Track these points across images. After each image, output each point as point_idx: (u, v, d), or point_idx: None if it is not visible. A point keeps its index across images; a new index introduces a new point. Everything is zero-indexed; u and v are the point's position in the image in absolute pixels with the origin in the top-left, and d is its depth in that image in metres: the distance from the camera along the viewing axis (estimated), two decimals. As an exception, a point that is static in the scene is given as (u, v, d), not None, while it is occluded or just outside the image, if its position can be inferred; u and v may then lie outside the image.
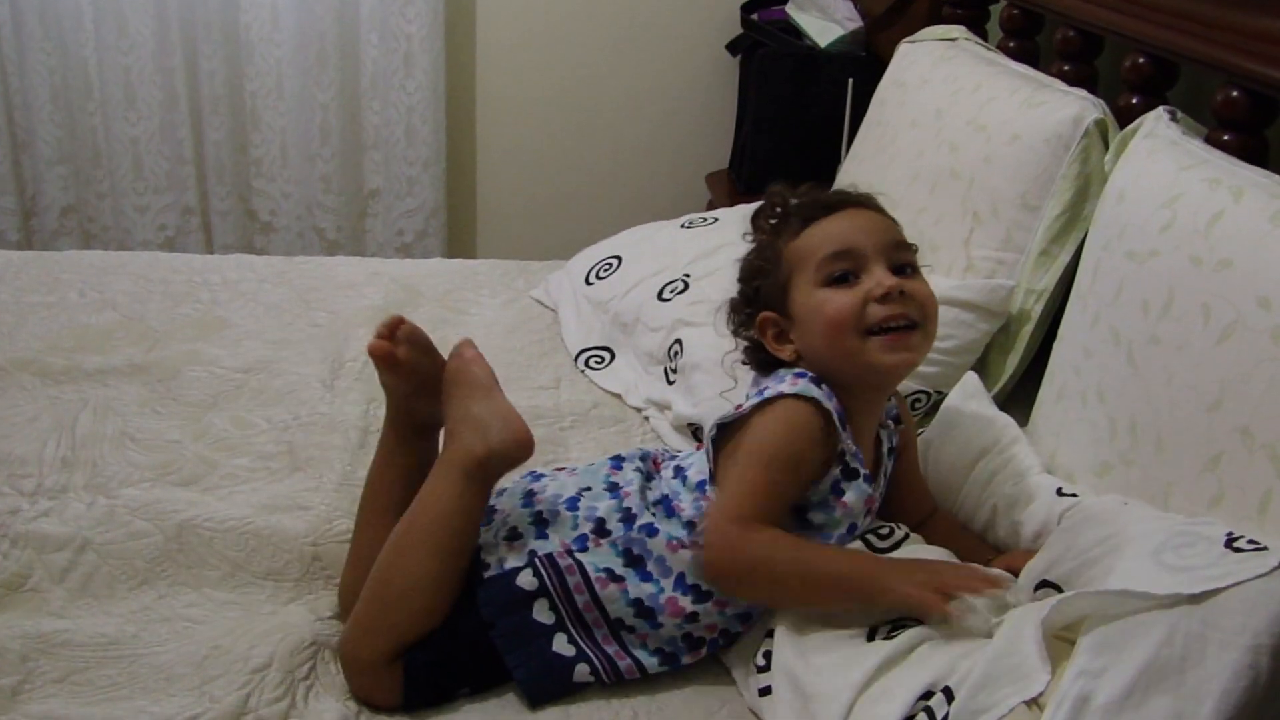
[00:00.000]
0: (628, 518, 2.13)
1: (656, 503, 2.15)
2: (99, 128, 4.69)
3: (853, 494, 2.06)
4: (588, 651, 2.02)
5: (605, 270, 3.29)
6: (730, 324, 2.30)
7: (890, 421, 2.26)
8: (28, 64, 4.56)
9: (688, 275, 3.06)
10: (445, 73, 4.83)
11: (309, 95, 4.76)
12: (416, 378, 2.16)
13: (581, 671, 2.01)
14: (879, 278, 2.09)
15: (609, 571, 2.05)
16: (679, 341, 2.86)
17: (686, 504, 2.10)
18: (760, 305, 2.22)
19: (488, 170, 5.14)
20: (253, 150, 4.83)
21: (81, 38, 4.55)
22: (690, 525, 2.08)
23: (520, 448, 2.07)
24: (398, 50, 4.72)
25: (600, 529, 2.10)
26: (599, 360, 3.08)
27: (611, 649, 2.04)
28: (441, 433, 2.16)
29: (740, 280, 2.28)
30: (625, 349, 3.07)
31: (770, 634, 2.01)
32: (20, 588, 2.17)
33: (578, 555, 2.06)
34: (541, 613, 2.03)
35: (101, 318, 3.16)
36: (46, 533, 2.27)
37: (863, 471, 2.07)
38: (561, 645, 2.02)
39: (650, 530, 2.08)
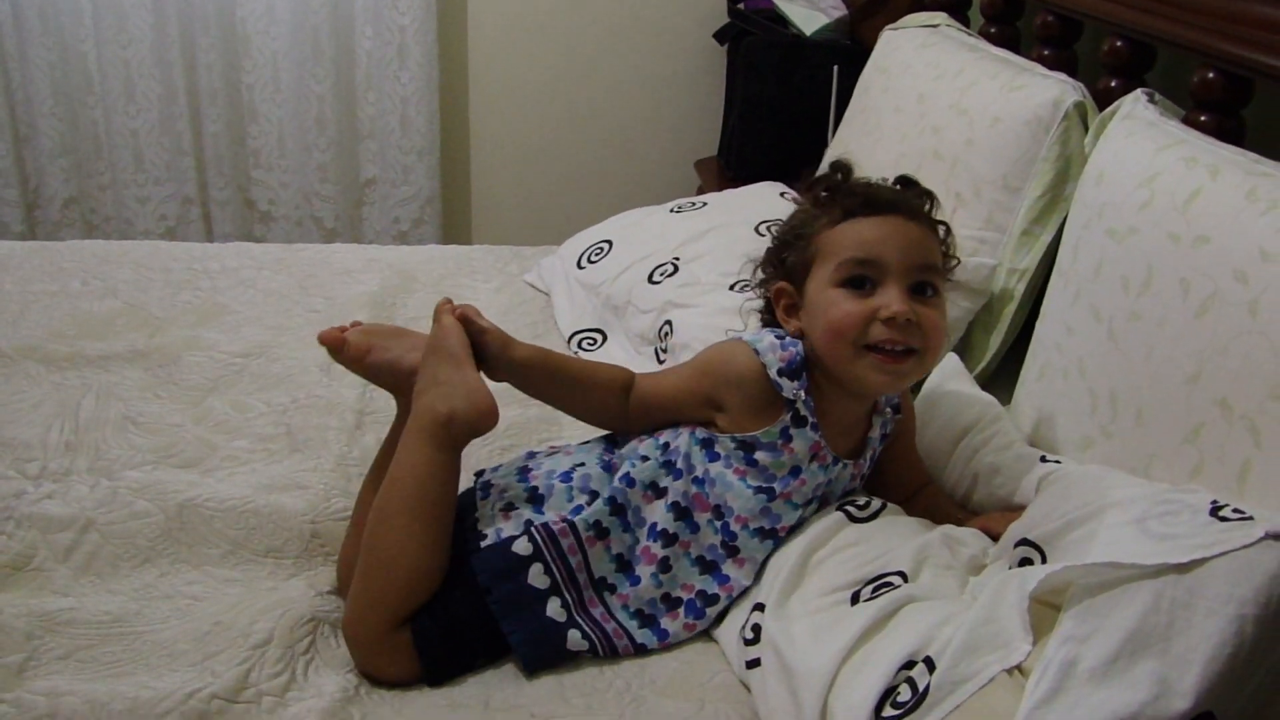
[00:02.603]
0: (611, 470, 2.20)
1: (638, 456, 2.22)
2: (99, 121, 4.73)
3: (799, 440, 2.13)
4: (577, 618, 2.06)
5: (597, 254, 3.31)
6: (753, 277, 2.35)
7: (889, 409, 2.29)
8: (29, 59, 4.60)
9: (677, 258, 3.09)
10: (438, 64, 4.88)
11: (305, 87, 4.80)
12: (383, 363, 2.20)
13: (574, 638, 2.04)
14: (892, 299, 2.08)
15: (597, 526, 2.10)
16: (669, 323, 2.89)
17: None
18: (782, 273, 2.25)
19: (481, 158, 5.17)
20: (250, 141, 4.87)
21: (81, 33, 4.60)
22: (665, 446, 2.19)
23: (483, 417, 2.08)
24: (391, 42, 4.77)
25: (594, 497, 2.15)
26: (591, 342, 3.11)
27: (597, 611, 2.09)
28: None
29: (774, 243, 2.31)
30: (617, 330, 3.10)
31: (758, 607, 2.04)
32: (25, 567, 2.19)
33: (570, 519, 2.10)
34: (536, 577, 2.06)
35: (104, 305, 3.18)
36: (51, 514, 2.29)
37: (811, 420, 2.13)
38: (555, 610, 2.05)
39: (629, 481, 2.15)
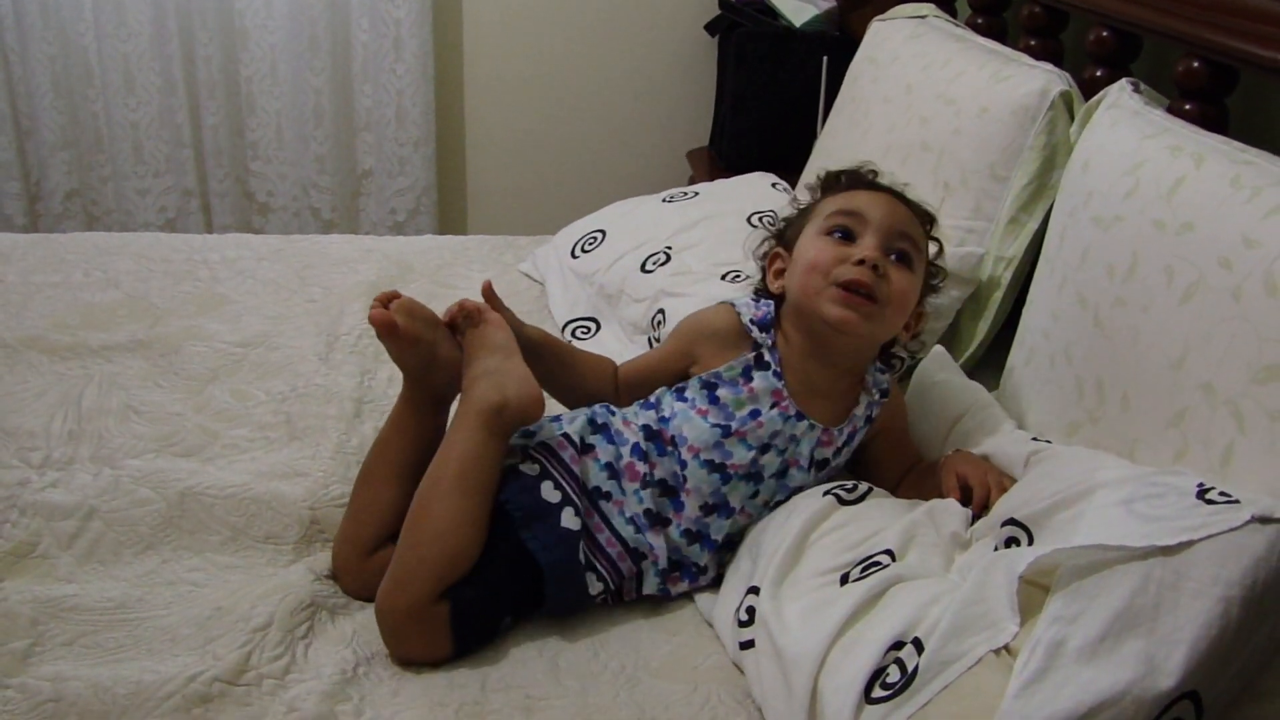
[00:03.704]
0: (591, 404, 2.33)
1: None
2: (100, 114, 4.74)
3: (760, 381, 2.25)
4: (585, 525, 2.15)
5: (590, 244, 3.32)
6: (756, 252, 2.52)
7: (876, 391, 2.34)
8: (30, 53, 4.61)
9: (669, 247, 3.10)
10: (434, 56, 4.89)
11: (302, 79, 4.81)
12: (423, 348, 2.21)
13: (584, 549, 2.12)
14: (866, 246, 2.22)
15: (580, 441, 2.20)
16: (661, 311, 2.90)
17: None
18: (779, 244, 2.45)
19: (476, 149, 5.19)
20: (249, 133, 4.88)
21: (81, 27, 4.61)
22: (644, 406, 2.30)
23: (533, 404, 2.14)
24: (387, 35, 4.78)
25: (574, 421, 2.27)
26: (585, 330, 3.12)
27: (592, 521, 2.17)
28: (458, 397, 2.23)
29: (779, 222, 2.53)
30: (610, 319, 3.11)
31: (752, 590, 2.06)
32: (29, 554, 2.20)
33: (564, 429, 2.21)
34: (548, 493, 2.15)
35: (105, 296, 3.18)
36: (54, 502, 2.31)
37: (774, 367, 2.26)
38: (569, 519, 2.13)
39: (609, 409, 2.28)
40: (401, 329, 2.18)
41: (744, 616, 2.05)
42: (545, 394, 2.24)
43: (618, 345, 3.00)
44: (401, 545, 2.06)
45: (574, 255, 3.34)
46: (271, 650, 1.99)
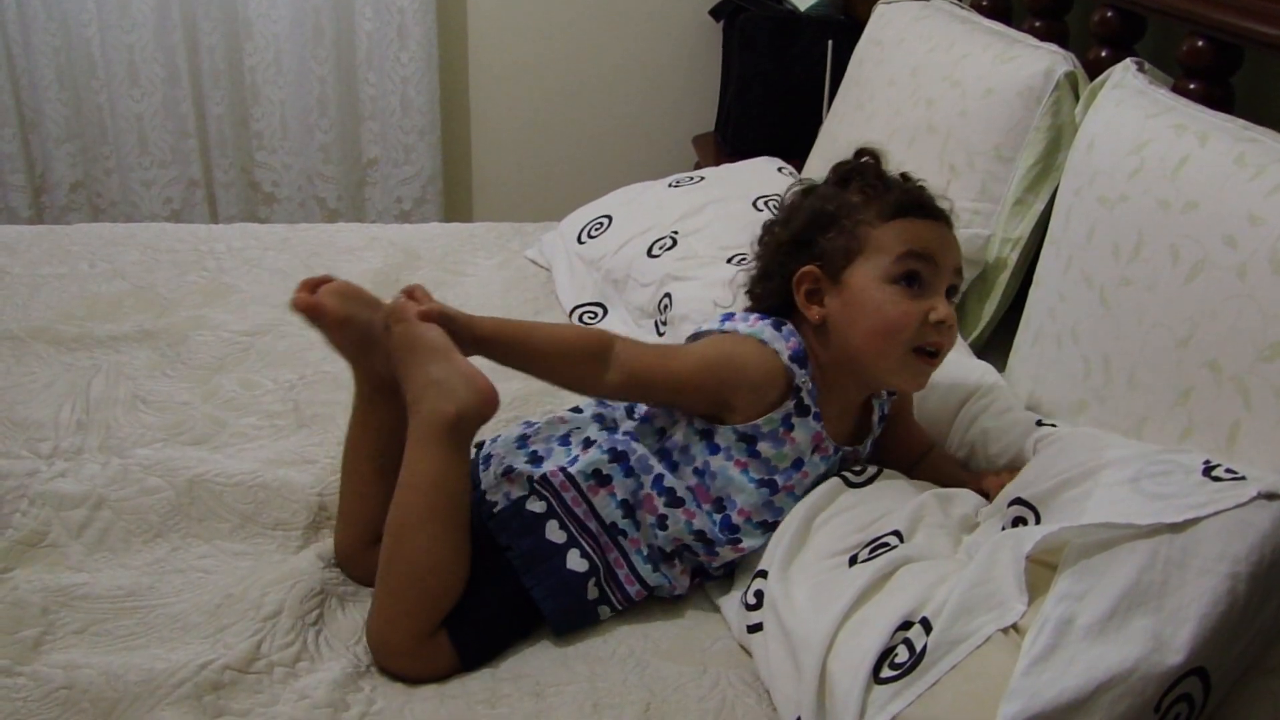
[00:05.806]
0: (611, 428, 2.24)
1: (641, 420, 2.25)
2: (104, 105, 4.75)
3: (801, 430, 2.13)
4: (597, 564, 2.09)
5: (596, 229, 3.32)
6: (759, 252, 2.32)
7: (884, 392, 2.31)
8: (33, 45, 4.62)
9: (676, 232, 3.10)
10: (438, 43, 4.89)
11: (307, 69, 4.82)
12: (357, 331, 2.13)
13: (592, 586, 2.09)
14: (941, 303, 2.11)
15: (596, 474, 2.13)
16: (668, 295, 2.90)
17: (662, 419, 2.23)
18: (811, 256, 2.20)
19: (482, 137, 5.19)
20: (254, 123, 4.89)
21: (84, 18, 4.62)
22: (661, 432, 2.20)
23: (487, 404, 2.02)
24: (391, 23, 4.78)
25: (587, 445, 2.19)
26: (592, 316, 3.12)
27: (611, 556, 2.12)
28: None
29: (803, 222, 2.24)
30: (617, 304, 3.11)
31: (760, 574, 2.06)
32: (39, 544, 2.20)
33: (568, 469, 2.13)
34: (553, 533, 2.09)
35: (112, 287, 3.19)
36: (63, 491, 2.31)
37: (814, 410, 2.13)
38: (575, 562, 2.08)
39: (633, 437, 2.18)
40: (329, 311, 2.11)
41: (751, 600, 2.05)
42: (552, 387, 2.22)
43: (625, 330, 2.97)
44: (383, 583, 2.00)
45: (580, 241, 3.34)
46: (282, 638, 1.99)
